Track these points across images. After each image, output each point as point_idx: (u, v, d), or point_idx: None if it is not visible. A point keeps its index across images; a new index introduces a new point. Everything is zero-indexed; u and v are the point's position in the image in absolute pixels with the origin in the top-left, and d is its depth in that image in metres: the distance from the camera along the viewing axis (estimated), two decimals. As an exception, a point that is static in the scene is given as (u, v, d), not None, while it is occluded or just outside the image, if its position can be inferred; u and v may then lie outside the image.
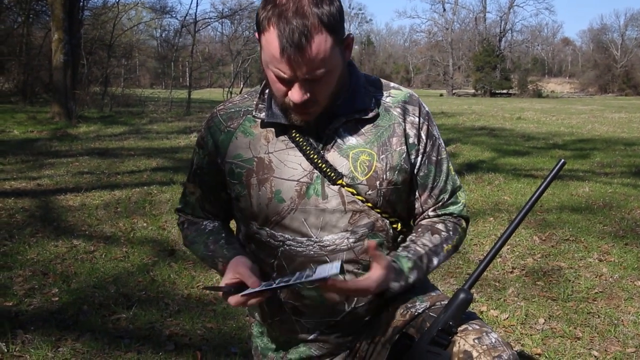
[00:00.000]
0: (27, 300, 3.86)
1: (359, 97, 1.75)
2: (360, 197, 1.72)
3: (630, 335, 3.49)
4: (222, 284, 1.67)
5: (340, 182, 1.71)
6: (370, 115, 1.75)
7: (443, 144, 1.86)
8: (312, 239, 1.73)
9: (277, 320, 1.87)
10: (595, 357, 3.22)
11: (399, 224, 1.83)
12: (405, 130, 1.77)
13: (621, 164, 10.24)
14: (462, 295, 1.64)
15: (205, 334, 3.43)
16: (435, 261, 1.79)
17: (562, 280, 4.39)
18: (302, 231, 1.73)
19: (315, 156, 1.72)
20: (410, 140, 1.77)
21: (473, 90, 68.42)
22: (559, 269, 4.63)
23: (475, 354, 1.57)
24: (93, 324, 3.52)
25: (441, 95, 63.50)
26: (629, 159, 10.92)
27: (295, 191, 1.72)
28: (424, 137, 1.79)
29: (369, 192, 1.73)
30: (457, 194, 1.88)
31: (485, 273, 4.41)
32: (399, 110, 1.78)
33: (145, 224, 5.80)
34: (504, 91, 65.70)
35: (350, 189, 1.72)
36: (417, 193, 1.84)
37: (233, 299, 1.63)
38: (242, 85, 31.03)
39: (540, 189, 1.69)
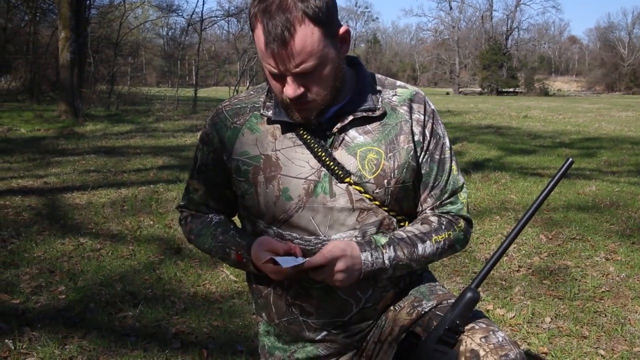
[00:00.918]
0: (34, 297, 3.87)
1: (365, 95, 1.75)
2: (368, 196, 1.72)
3: (637, 334, 3.48)
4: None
5: (348, 180, 1.71)
6: (378, 113, 1.74)
7: (448, 143, 1.84)
8: (320, 237, 1.73)
9: (285, 320, 1.87)
10: (602, 356, 3.21)
11: (406, 223, 1.83)
12: (411, 127, 1.76)
13: (628, 163, 10.21)
14: (469, 294, 1.63)
15: (211, 332, 3.43)
16: (420, 248, 1.75)
17: (569, 279, 4.38)
18: (309, 229, 1.73)
19: (323, 154, 1.71)
20: (416, 138, 1.77)
21: (479, 89, 68.29)
22: (565, 268, 4.62)
23: (482, 352, 1.56)
24: (100, 322, 3.53)
25: (447, 93, 63.42)
26: (635, 157, 10.89)
27: (303, 189, 1.72)
28: (428, 135, 1.79)
29: (377, 191, 1.72)
30: (458, 194, 1.86)
31: (491, 272, 4.40)
32: (405, 108, 1.78)
33: (151, 222, 5.81)
34: (511, 89, 65.59)
35: (358, 187, 1.71)
36: (419, 190, 1.83)
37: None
38: (248, 84, 31.02)
39: (548, 187, 1.68)
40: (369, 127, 1.75)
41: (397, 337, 1.77)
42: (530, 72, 68.96)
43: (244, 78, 31.80)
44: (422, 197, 1.83)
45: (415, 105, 1.79)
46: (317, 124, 1.71)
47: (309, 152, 1.73)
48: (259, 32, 1.55)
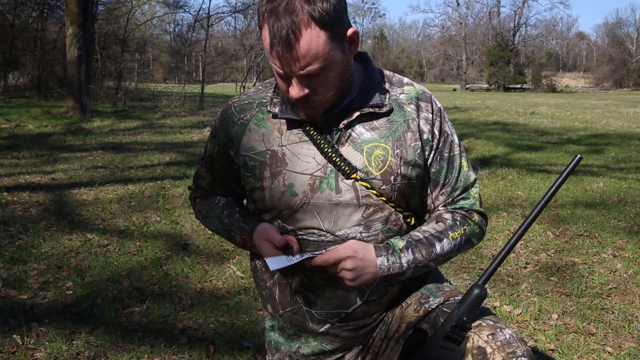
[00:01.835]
0: (41, 293, 3.88)
1: (373, 92, 1.75)
2: (374, 192, 1.72)
3: (644, 331, 3.47)
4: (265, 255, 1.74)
5: (354, 176, 1.71)
6: (385, 109, 1.74)
7: (457, 140, 1.85)
8: (325, 232, 1.74)
9: (289, 311, 1.88)
10: (609, 353, 3.20)
11: (413, 219, 1.83)
12: (419, 126, 1.77)
13: (636, 159, 10.17)
14: (476, 291, 1.63)
15: (218, 328, 3.44)
16: (438, 247, 1.76)
17: (576, 275, 4.37)
18: (314, 224, 1.74)
19: (330, 150, 1.72)
20: (425, 137, 1.77)
21: (487, 85, 68.09)
22: (572, 265, 4.61)
23: (489, 350, 1.56)
24: (107, 318, 3.54)
25: (454, 90, 63.25)
26: (643, 154, 10.85)
27: (308, 185, 1.73)
28: (436, 133, 1.79)
29: (383, 187, 1.72)
30: (470, 190, 1.86)
31: (498, 268, 4.40)
32: (412, 106, 1.78)
33: (158, 218, 5.82)
34: (518, 86, 65.39)
35: (365, 183, 1.72)
36: (428, 189, 1.84)
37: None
38: (254, 80, 31.05)
39: (557, 184, 1.68)
40: (375, 123, 1.75)
41: (404, 334, 1.77)
42: (538, 69, 68.76)
43: (250, 74, 31.82)
44: (434, 194, 1.84)
45: (422, 104, 1.79)
46: (326, 120, 1.72)
47: (315, 148, 1.73)
48: (265, 33, 1.56)
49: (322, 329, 1.87)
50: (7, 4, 25.83)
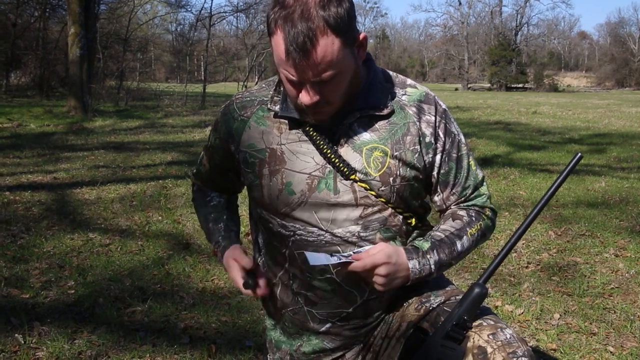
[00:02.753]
0: (43, 292, 3.89)
1: (374, 93, 1.75)
2: (373, 193, 1.72)
3: (646, 331, 3.47)
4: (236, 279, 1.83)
5: (353, 177, 1.71)
6: (385, 112, 1.74)
7: (463, 140, 1.85)
8: (323, 230, 1.74)
9: (290, 310, 1.89)
10: (611, 352, 3.20)
11: (413, 219, 1.83)
12: (420, 129, 1.76)
13: (638, 159, 10.16)
14: (477, 290, 1.63)
15: (220, 327, 3.44)
16: (459, 245, 1.78)
17: (578, 275, 4.37)
18: (311, 223, 1.74)
19: (329, 150, 1.72)
20: (427, 140, 1.77)
21: (488, 85, 68.03)
22: (574, 264, 4.61)
23: (489, 349, 1.56)
24: (109, 317, 3.55)
25: (456, 89, 63.23)
26: (646, 153, 10.84)
27: (306, 184, 1.73)
28: (442, 135, 1.79)
29: (382, 188, 1.72)
30: (480, 188, 1.88)
31: (500, 268, 4.39)
32: (414, 109, 1.77)
33: (160, 218, 5.83)
34: (520, 85, 65.32)
35: (363, 184, 1.72)
36: (439, 190, 1.84)
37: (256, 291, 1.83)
38: (256, 79, 31.04)
39: (557, 182, 1.68)
40: (376, 124, 1.75)
41: (405, 333, 1.77)
42: (540, 68, 68.66)
43: (252, 74, 31.82)
44: (445, 195, 1.84)
45: (425, 107, 1.78)
46: (320, 123, 1.72)
47: (314, 148, 1.73)
48: (279, 39, 1.54)
49: (323, 328, 1.87)
50: (9, 4, 25.87)
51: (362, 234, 1.74)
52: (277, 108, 1.77)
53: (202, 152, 2.07)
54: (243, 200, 2.34)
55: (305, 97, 1.60)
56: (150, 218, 5.81)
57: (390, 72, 1.85)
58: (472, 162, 1.86)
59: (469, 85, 69.71)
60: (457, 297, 1.77)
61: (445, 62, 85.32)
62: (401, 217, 1.79)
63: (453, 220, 1.81)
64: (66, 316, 3.54)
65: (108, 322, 3.47)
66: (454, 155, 1.81)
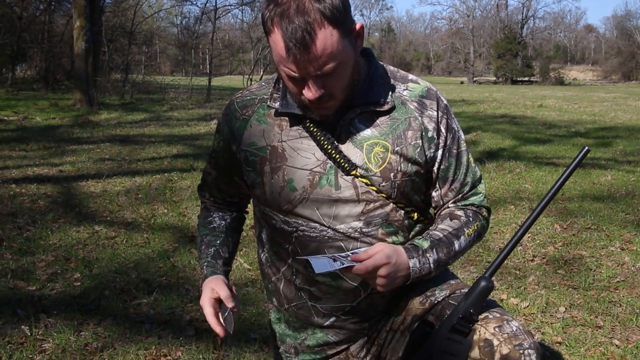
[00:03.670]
0: (49, 284, 3.90)
1: (375, 88, 1.74)
2: (374, 188, 1.72)
3: (652, 324, 3.47)
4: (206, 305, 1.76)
5: (354, 172, 1.71)
6: (386, 107, 1.74)
7: (463, 136, 1.85)
8: (325, 226, 1.74)
9: (294, 305, 1.89)
10: (616, 345, 3.20)
11: (416, 214, 1.83)
12: (422, 124, 1.76)
13: (644, 152, 10.13)
14: (483, 283, 1.64)
15: (225, 319, 3.44)
16: (456, 245, 1.78)
17: (584, 268, 4.37)
18: (313, 219, 1.75)
19: (329, 146, 1.71)
20: (429, 135, 1.77)
21: (494, 78, 67.90)
22: (580, 258, 4.60)
23: (496, 342, 1.56)
24: (114, 309, 3.56)
25: (462, 82, 63.09)
26: (652, 147, 10.81)
27: (307, 180, 1.73)
28: (443, 130, 1.79)
29: (383, 184, 1.72)
30: (477, 186, 1.88)
31: (505, 261, 4.39)
32: (415, 104, 1.77)
33: (165, 211, 5.84)
34: (526, 79, 65.19)
35: (364, 180, 1.72)
36: (437, 186, 1.84)
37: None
38: (262, 73, 31.03)
39: (564, 176, 1.68)
40: (376, 120, 1.75)
41: (410, 326, 1.77)
42: (546, 61, 68.54)
43: (257, 67, 31.80)
44: (443, 191, 1.84)
45: (427, 102, 1.78)
46: (324, 117, 1.71)
47: (315, 144, 1.73)
48: (277, 37, 1.53)
49: (327, 323, 1.87)
50: (15, -3, 25.88)
51: (364, 230, 1.74)
52: (276, 105, 1.76)
53: (206, 163, 2.05)
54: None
55: (309, 93, 1.59)
56: (155, 211, 5.82)
57: (391, 67, 1.85)
58: (471, 159, 1.86)
59: (474, 79, 69.59)
60: (462, 291, 1.77)
61: (451, 55, 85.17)
62: (403, 212, 1.79)
63: (451, 220, 1.81)
64: (72, 308, 3.55)
65: (114, 314, 3.48)
66: (454, 151, 1.82)
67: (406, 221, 1.80)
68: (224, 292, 1.73)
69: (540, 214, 1.71)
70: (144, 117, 15.52)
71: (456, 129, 1.83)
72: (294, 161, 1.74)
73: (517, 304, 3.71)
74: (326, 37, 1.52)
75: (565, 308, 3.68)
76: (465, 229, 1.80)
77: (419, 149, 1.75)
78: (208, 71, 27.88)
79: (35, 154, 9.18)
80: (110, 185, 6.95)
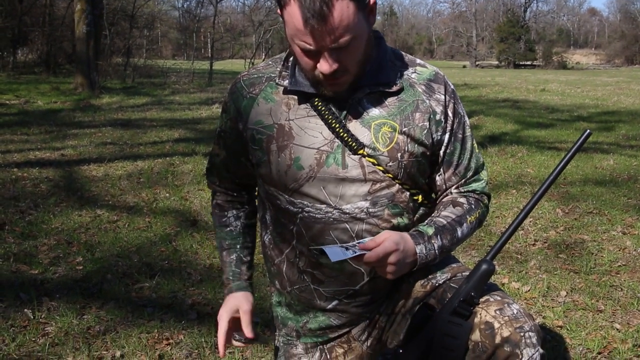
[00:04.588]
0: (52, 268, 3.91)
1: (384, 70, 1.74)
2: (380, 168, 1.72)
3: (653, 308, 3.48)
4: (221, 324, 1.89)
5: (361, 152, 1.71)
6: (394, 89, 1.74)
7: (468, 122, 1.86)
8: (332, 206, 1.74)
9: (297, 288, 1.89)
10: (617, 329, 3.21)
11: (420, 196, 1.83)
12: (430, 107, 1.76)
13: (647, 137, 10.11)
14: (484, 266, 1.64)
15: (227, 303, 3.45)
16: (459, 232, 1.78)
17: (585, 253, 4.37)
18: (320, 199, 1.74)
19: (337, 125, 1.71)
20: (437, 117, 1.77)
21: (497, 62, 67.66)
22: (581, 242, 4.61)
23: (497, 324, 1.57)
24: (117, 293, 3.57)
25: (464, 66, 62.89)
26: (654, 131, 10.78)
27: (314, 159, 1.73)
28: (450, 114, 1.79)
29: (390, 164, 1.72)
30: (480, 172, 1.88)
31: (507, 245, 4.40)
32: (423, 87, 1.77)
33: (167, 195, 5.84)
34: (528, 63, 64.94)
35: (371, 159, 1.72)
36: (441, 170, 1.84)
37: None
38: (263, 56, 30.99)
39: (566, 159, 1.68)
40: (385, 101, 1.74)
41: (411, 309, 1.78)
42: (549, 45, 68.25)
43: (259, 51, 31.73)
44: (447, 175, 1.84)
45: (435, 86, 1.79)
46: (336, 95, 1.71)
47: (323, 123, 1.73)
48: (294, 9, 1.52)
49: (330, 306, 1.88)
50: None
51: (370, 210, 1.74)
52: (285, 83, 1.76)
53: (213, 145, 2.04)
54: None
55: (324, 66, 1.58)
56: (157, 195, 5.83)
57: (399, 51, 1.85)
58: (475, 145, 1.87)
59: (477, 63, 69.37)
60: (463, 274, 1.78)
61: (453, 39, 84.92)
62: (408, 193, 1.79)
63: (454, 207, 1.81)
64: (75, 292, 3.57)
65: (116, 297, 3.50)
66: (460, 136, 1.82)
67: (411, 203, 1.80)
68: (245, 319, 1.88)
69: (541, 197, 1.71)
70: (145, 101, 15.51)
71: (462, 113, 1.83)
72: (301, 139, 1.74)
73: (518, 288, 3.72)
74: (343, 9, 1.51)
75: (567, 292, 3.69)
76: (467, 216, 1.81)
77: (426, 131, 1.75)
78: (210, 55, 27.81)
79: (37, 138, 9.18)
80: (112, 169, 6.96)
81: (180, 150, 8.26)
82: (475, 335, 1.59)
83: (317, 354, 1.96)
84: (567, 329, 3.21)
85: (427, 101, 1.76)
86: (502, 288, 3.36)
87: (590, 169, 7.26)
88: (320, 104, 1.72)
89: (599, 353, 2.97)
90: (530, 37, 68.87)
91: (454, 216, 1.79)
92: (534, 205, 1.70)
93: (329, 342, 1.95)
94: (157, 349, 2.94)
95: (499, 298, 1.64)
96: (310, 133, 1.73)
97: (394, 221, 1.77)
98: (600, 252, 4.40)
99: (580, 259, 4.25)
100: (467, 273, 1.71)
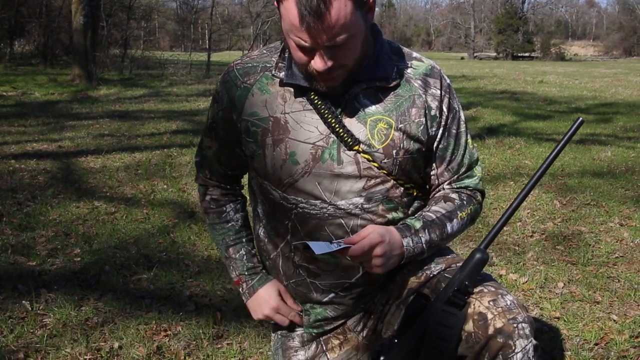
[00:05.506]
0: (50, 260, 3.92)
1: (381, 64, 1.74)
2: (375, 164, 1.72)
3: (649, 299, 3.49)
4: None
5: (356, 148, 1.71)
6: (392, 84, 1.74)
7: (463, 117, 1.85)
8: (326, 202, 1.74)
9: (293, 282, 1.90)
10: (614, 321, 3.22)
11: (414, 190, 1.83)
12: (426, 102, 1.76)
13: (644, 128, 10.11)
14: (478, 255, 1.64)
15: (225, 295, 3.46)
16: (449, 227, 1.78)
17: (582, 244, 4.38)
18: (315, 194, 1.74)
19: (333, 120, 1.71)
20: (432, 113, 1.77)
21: (495, 54, 67.58)
22: (579, 234, 4.61)
23: (490, 315, 1.58)
24: (115, 284, 3.57)
25: (462, 58, 62.78)
26: (652, 123, 10.79)
27: (310, 154, 1.72)
28: (445, 110, 1.79)
29: (385, 161, 1.72)
30: (474, 168, 1.88)
31: (505, 237, 4.42)
32: (419, 82, 1.77)
33: (165, 186, 5.84)
34: (526, 54, 64.90)
35: (367, 156, 1.72)
36: (434, 165, 1.84)
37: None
38: (261, 48, 30.87)
39: (559, 146, 1.69)
40: (381, 96, 1.74)
41: (405, 299, 1.79)
42: (547, 37, 68.24)
43: (257, 42, 31.64)
44: (439, 170, 1.84)
45: (431, 80, 1.78)
46: (331, 89, 1.70)
47: (319, 117, 1.72)
48: (290, 5, 1.51)
49: (326, 299, 1.89)
50: (12, -29, 25.67)
51: (365, 206, 1.75)
52: (282, 75, 1.75)
53: (201, 139, 2.01)
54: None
55: (319, 63, 1.58)
56: (155, 186, 5.83)
57: (395, 44, 1.84)
58: (469, 141, 1.86)
59: (475, 54, 69.27)
60: (457, 265, 1.78)
61: (452, 30, 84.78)
62: (402, 188, 1.79)
63: (445, 202, 1.82)
64: (72, 283, 3.57)
65: (114, 289, 3.50)
66: (454, 131, 1.82)
67: (405, 198, 1.81)
68: (292, 306, 1.99)
69: (535, 184, 1.72)
70: (143, 92, 15.47)
71: (457, 109, 1.83)
72: (296, 134, 1.73)
73: (515, 280, 3.73)
74: (340, 7, 1.50)
75: (564, 283, 3.70)
76: (458, 212, 1.81)
77: (422, 127, 1.75)
78: (207, 46, 27.73)
79: (34, 130, 9.16)
80: (110, 161, 6.95)
81: (178, 142, 8.25)
82: (469, 326, 1.60)
83: (314, 345, 1.97)
84: (564, 321, 3.22)
85: (423, 96, 1.76)
86: (499, 280, 3.37)
87: (587, 161, 7.26)
88: (316, 98, 1.72)
89: (596, 344, 2.98)
90: (528, 28, 68.82)
91: (444, 211, 1.79)
92: (527, 193, 1.71)
93: (325, 334, 1.96)
94: (155, 340, 2.95)
95: (492, 289, 1.65)
96: (306, 127, 1.73)
97: (389, 216, 1.77)
98: (598, 243, 4.41)
99: (577, 250, 4.26)
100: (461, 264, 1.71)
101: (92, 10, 17.85)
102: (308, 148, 1.72)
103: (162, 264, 3.88)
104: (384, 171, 1.73)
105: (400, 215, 1.80)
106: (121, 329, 3.04)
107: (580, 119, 1.71)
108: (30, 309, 3.21)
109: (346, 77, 1.67)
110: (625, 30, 71.47)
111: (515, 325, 1.56)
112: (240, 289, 2.02)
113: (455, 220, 1.80)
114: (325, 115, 1.71)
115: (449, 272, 1.77)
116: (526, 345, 1.56)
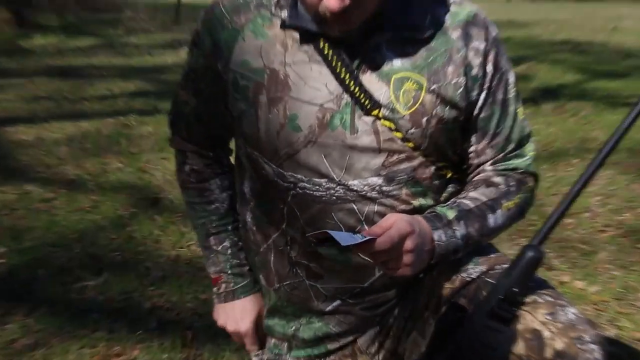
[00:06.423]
0: (-35, 262, 3.92)
1: (410, 8, 1.71)
2: (399, 135, 1.70)
3: None
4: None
5: (375, 113, 1.69)
6: (424, 34, 1.71)
7: (513, 80, 1.83)
8: (335, 181, 1.71)
9: (287, 284, 1.88)
10: None
11: (448, 171, 1.81)
12: (466, 58, 1.74)
13: None
14: (530, 254, 1.62)
15: (197, 307, 3.46)
16: (491, 219, 1.76)
17: (671, 242, 4.37)
18: (320, 170, 1.72)
19: (348, 76, 1.69)
20: (474, 72, 1.74)
21: (554, -8, 67.52)
22: (666, 228, 4.61)
23: (547, 333, 1.56)
24: (51, 294, 3.57)
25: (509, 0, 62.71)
26: None
27: (316, 118, 1.71)
28: (490, 69, 1.77)
29: (412, 131, 1.70)
30: (525, 145, 1.87)
31: (568, 232, 4.41)
32: (458, 33, 1.75)
33: (120, 165, 5.84)
34: (597, -7, 64.82)
35: (388, 123, 1.70)
36: (473, 139, 1.83)
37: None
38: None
39: (636, 112, 1.67)
40: (410, 49, 1.72)
41: (435, 312, 1.77)
42: (624, -31, 68.08)
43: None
44: (480, 147, 1.83)
45: (473, 31, 1.75)
46: (346, 35, 1.67)
47: (330, 72, 1.70)
48: None
49: (330, 308, 1.87)
50: None
51: (384, 188, 1.73)
52: (284, 15, 1.73)
53: (176, 92, 2.02)
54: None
55: (332, 1, 1.55)
56: (107, 165, 5.83)
57: None
58: (519, 110, 1.85)
59: (528, -7, 69.10)
60: (503, 267, 1.76)
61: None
62: (433, 167, 1.78)
63: (486, 188, 1.81)
64: (-6, 293, 3.57)
65: (50, 300, 3.50)
66: (500, 97, 1.80)
67: (436, 181, 1.80)
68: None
69: (604, 161, 1.70)
70: (91, 43, 15.48)
71: (505, 69, 1.81)
72: (299, 92, 1.71)
73: (583, 289, 3.72)
74: None
75: (648, 294, 3.69)
76: (503, 201, 1.79)
77: (460, 90, 1.73)
78: (176, -17, 27.74)
79: (-53, 92, 9.18)
80: (47, 132, 6.94)
81: (138, 107, 8.26)
82: (519, 347, 1.59)
83: (313, 372, 1.96)
84: (648, 343, 3.21)
85: (463, 51, 1.73)
86: (561, 288, 3.36)
87: (677, 132, 7.23)
88: (327, 47, 1.69)
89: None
90: (599, -42, 68.63)
91: (485, 199, 1.77)
92: (594, 173, 1.69)
93: (327, 356, 1.94)
94: (104, 368, 2.95)
95: (550, 299, 1.63)
96: (312, 84, 1.71)
97: (415, 202, 1.76)
98: (692, 241, 4.40)
99: (664, 250, 4.25)
100: (509, 265, 1.69)
101: None
102: (314, 110, 1.71)
103: (115, 267, 3.88)
104: (410, 144, 1.72)
105: (430, 202, 1.79)
106: (59, 354, 3.04)
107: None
108: None
109: (366, 22, 1.64)
110: None
111: (581, 346, 1.54)
112: (216, 288, 2.07)
113: (499, 211, 1.78)
114: (338, 70, 1.69)
115: (491, 275, 1.75)
116: (596, 373, 1.55)
